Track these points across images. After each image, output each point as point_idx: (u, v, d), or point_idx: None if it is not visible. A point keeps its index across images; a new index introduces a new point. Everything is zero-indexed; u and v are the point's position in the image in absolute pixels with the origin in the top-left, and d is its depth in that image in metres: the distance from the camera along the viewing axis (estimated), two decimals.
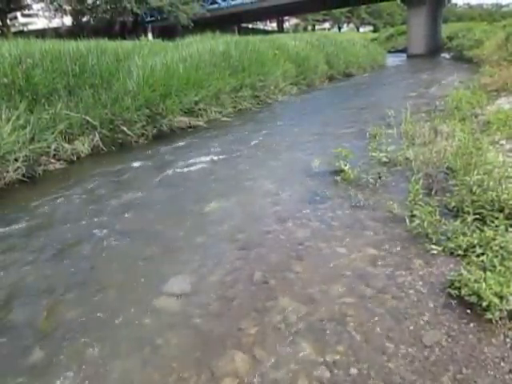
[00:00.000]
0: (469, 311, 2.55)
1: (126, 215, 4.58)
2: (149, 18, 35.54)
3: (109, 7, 31.37)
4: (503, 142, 5.38)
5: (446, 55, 26.86)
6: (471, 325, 2.47)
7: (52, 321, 2.87)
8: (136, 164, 6.52)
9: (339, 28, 69.91)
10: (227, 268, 3.34)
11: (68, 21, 33.83)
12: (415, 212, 3.55)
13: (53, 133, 6.64)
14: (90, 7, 32.02)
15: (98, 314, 2.88)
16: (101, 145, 7.33)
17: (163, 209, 4.75)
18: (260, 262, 3.36)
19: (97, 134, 7.33)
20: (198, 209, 4.58)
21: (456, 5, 70.72)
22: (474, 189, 3.67)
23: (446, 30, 35.77)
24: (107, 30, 28.51)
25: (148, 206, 4.86)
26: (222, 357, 2.42)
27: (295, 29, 62.97)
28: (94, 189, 5.54)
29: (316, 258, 3.35)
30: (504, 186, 3.58)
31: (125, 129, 7.61)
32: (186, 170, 6.04)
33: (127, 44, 11.61)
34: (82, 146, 7.09)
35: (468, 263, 2.91)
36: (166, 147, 7.44)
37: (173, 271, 3.34)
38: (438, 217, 3.47)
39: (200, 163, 6.32)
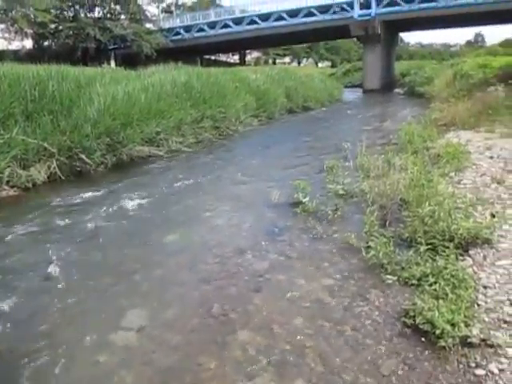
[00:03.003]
0: (423, 339, 2.63)
1: (80, 246, 4.45)
2: (112, 46, 35.49)
3: (71, 33, 31.18)
4: (452, 174, 5.67)
5: (399, 91, 28.26)
6: (426, 352, 2.54)
7: None
8: (93, 193, 6.38)
9: (299, 62, 72.26)
10: (186, 301, 3.30)
11: (29, 44, 33.31)
12: (371, 243, 3.67)
13: (5, 158, 6.42)
14: (52, 31, 31.70)
15: (49, 351, 2.76)
16: (58, 172, 7.13)
17: (120, 240, 4.65)
18: (219, 295, 3.34)
19: (54, 162, 7.14)
20: (156, 240, 4.52)
21: (408, 43, 74.90)
22: (426, 220, 3.84)
23: (399, 66, 37.82)
24: (69, 55, 28.24)
25: (104, 236, 4.74)
26: None
27: (256, 62, 64.56)
28: (48, 217, 5.35)
29: (275, 289, 3.37)
30: (453, 217, 3.76)
31: (83, 157, 7.46)
32: (144, 200, 5.97)
33: (89, 71, 11.52)
34: (38, 173, 6.88)
35: (422, 292, 3.01)
36: (125, 176, 7.34)
37: (130, 304, 3.26)
38: (392, 247, 3.59)
39: (158, 194, 6.26)
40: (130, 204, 5.80)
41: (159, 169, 7.93)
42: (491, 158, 6.25)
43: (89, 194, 6.31)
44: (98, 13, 35.01)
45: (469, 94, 11.54)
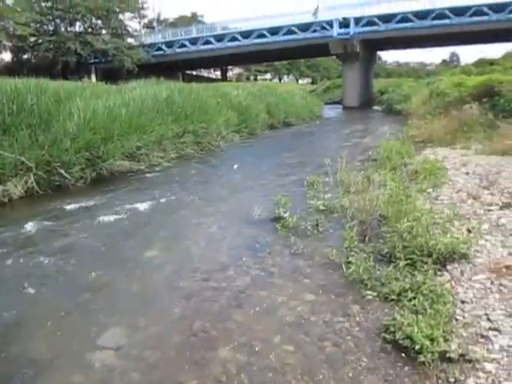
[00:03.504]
0: (404, 355, 2.64)
1: (59, 262, 4.36)
2: (93, 60, 35.34)
3: (51, 46, 30.97)
4: (430, 190, 5.78)
5: (377, 108, 28.81)
6: (406, 368, 2.55)
7: None
8: (71, 208, 6.28)
9: (280, 79, 73.19)
10: (166, 318, 3.26)
11: (7, 57, 32.94)
12: (351, 258, 3.70)
13: None
14: (31, 45, 31.44)
15: (25, 370, 2.67)
16: (36, 187, 7.00)
17: (98, 255, 4.57)
18: (200, 312, 3.31)
19: (32, 176, 7.02)
20: (137, 256, 4.46)
21: (386, 62, 76.70)
22: (405, 235, 3.89)
23: (377, 84, 38.63)
24: (49, 69, 28.02)
25: (81, 252, 4.66)
26: None
27: (238, 78, 65.16)
28: (23, 233, 5.24)
29: (256, 306, 3.35)
30: (431, 233, 3.83)
31: (62, 171, 7.36)
32: (124, 215, 5.90)
33: (69, 85, 11.44)
34: (15, 187, 6.74)
35: (401, 307, 3.04)
36: (105, 191, 7.25)
37: (108, 322, 3.20)
38: (372, 263, 3.62)
39: (139, 209, 6.20)
40: (109, 219, 5.72)
41: (139, 184, 7.87)
42: (467, 174, 6.40)
43: (66, 209, 6.21)
44: (78, 27, 34.95)
45: (445, 111, 11.82)
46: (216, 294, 3.57)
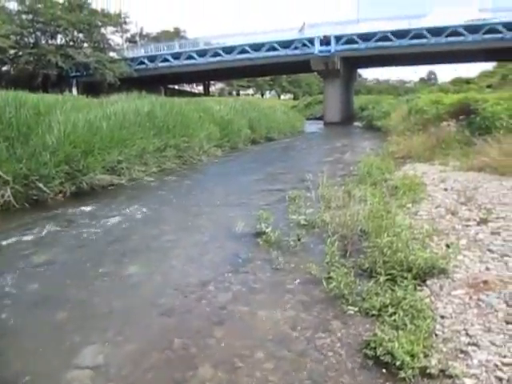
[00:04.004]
0: (384, 371, 2.64)
1: (35, 278, 4.25)
2: (74, 73, 35.12)
3: (32, 59, 30.70)
4: (410, 205, 5.85)
5: (358, 124, 29.29)
6: None
7: None
8: (49, 222, 6.14)
9: (262, 94, 73.88)
10: (145, 335, 3.19)
11: None
12: (332, 274, 3.70)
13: None
14: (11, 57, 31.09)
15: None
16: (12, 201, 6.86)
17: (77, 272, 4.46)
18: (180, 329, 3.26)
19: (8, 190, 6.87)
20: (116, 272, 4.38)
21: (366, 79, 78.20)
22: (385, 250, 3.92)
23: (357, 101, 39.34)
24: (29, 81, 27.71)
25: (60, 268, 4.55)
26: None
27: (221, 92, 65.55)
28: None
29: (237, 322, 3.32)
30: (411, 248, 3.86)
31: (40, 185, 7.23)
32: (103, 230, 5.81)
33: (49, 98, 11.32)
34: None
35: (382, 323, 3.04)
36: (84, 205, 7.13)
37: (85, 341, 3.12)
38: (353, 278, 3.64)
39: (119, 223, 6.12)
40: (87, 234, 5.63)
41: (120, 198, 7.77)
42: (445, 190, 6.52)
43: (43, 224, 6.07)
44: (60, 40, 34.81)
45: (423, 128, 12.08)
46: (196, 310, 3.53)
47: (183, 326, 3.29)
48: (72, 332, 3.26)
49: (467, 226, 4.76)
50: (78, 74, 35.09)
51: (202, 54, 35.77)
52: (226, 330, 3.22)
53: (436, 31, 29.64)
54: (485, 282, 3.31)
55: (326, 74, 32.73)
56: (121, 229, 5.91)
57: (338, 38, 31.68)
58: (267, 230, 5.03)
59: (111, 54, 37.03)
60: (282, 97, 76.89)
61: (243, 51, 34.45)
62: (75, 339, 3.15)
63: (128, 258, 4.73)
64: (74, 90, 32.73)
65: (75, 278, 4.30)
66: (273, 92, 77.46)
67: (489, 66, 49.05)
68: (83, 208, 6.99)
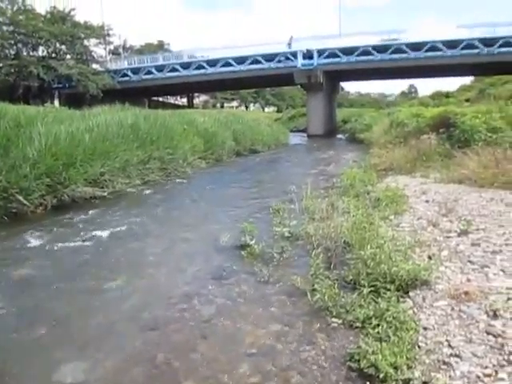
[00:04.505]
0: (368, 383, 2.64)
1: (13, 293, 4.16)
2: (56, 85, 34.82)
3: (13, 70, 30.36)
4: (392, 217, 5.91)
5: (341, 136, 29.62)
6: None
7: None
8: (28, 236, 6.02)
9: (246, 107, 74.30)
10: (127, 350, 3.14)
11: None
12: (316, 286, 3.71)
13: None
14: None
15: None
16: None
17: (56, 287, 4.37)
18: (163, 343, 3.21)
19: None
20: (97, 285, 4.31)
21: (349, 92, 79.37)
22: (369, 262, 3.94)
23: (340, 114, 39.84)
24: (9, 93, 27.35)
25: (38, 283, 4.46)
26: None
27: (205, 105, 65.72)
28: None
29: (221, 336, 3.29)
30: (394, 259, 3.89)
31: (21, 198, 7.10)
32: (85, 243, 5.72)
33: (30, 109, 11.21)
34: None
35: (366, 335, 3.04)
36: (65, 218, 7.04)
37: (66, 356, 3.05)
38: (337, 290, 3.64)
39: (101, 236, 6.03)
40: (69, 247, 5.54)
41: (102, 210, 7.68)
42: (427, 201, 6.62)
43: (22, 237, 5.96)
44: (42, 51, 34.56)
45: (404, 141, 12.27)
46: (180, 324, 3.49)
47: (166, 341, 3.25)
48: (52, 349, 3.19)
49: (448, 237, 4.83)
50: (60, 85, 34.81)
51: (186, 66, 35.87)
52: (210, 344, 3.19)
53: (416, 46, 30.37)
54: (466, 293, 3.35)
55: (309, 87, 33.11)
56: (103, 242, 5.83)
57: (320, 52, 32.15)
58: (251, 243, 5.02)
59: (94, 65, 36.89)
60: (266, 109, 77.45)
61: (227, 64, 34.67)
62: (55, 356, 3.08)
63: (110, 272, 4.66)
64: (56, 102, 32.45)
65: (54, 293, 4.21)
66: (257, 104, 77.98)
67: (467, 80, 50.46)
68: (64, 221, 6.89)
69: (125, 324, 3.56)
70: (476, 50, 28.98)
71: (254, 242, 5.04)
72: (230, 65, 34.55)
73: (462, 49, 29.28)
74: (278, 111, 69.32)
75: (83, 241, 5.83)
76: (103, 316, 3.70)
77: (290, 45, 32.89)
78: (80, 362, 3.00)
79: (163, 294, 4.08)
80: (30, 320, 3.65)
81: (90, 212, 7.54)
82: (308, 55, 32.22)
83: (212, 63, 35.24)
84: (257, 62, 33.80)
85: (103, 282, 4.39)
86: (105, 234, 6.14)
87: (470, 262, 4.04)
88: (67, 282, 4.49)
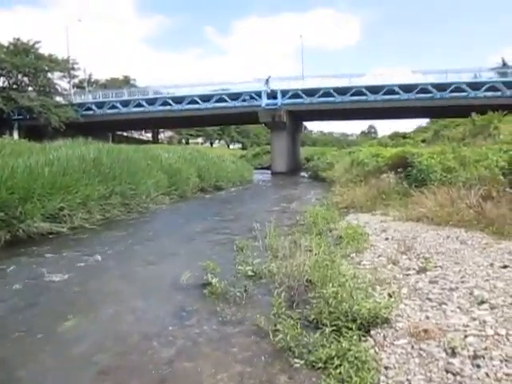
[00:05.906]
0: None
1: None
2: (16, 116, 34.07)
3: None
4: (353, 254, 6.00)
5: (304, 174, 30.20)
6: None
7: None
8: None
9: (211, 143, 74.96)
10: None
11: None
12: (279, 326, 3.66)
13: None
14: None
15: None
16: None
17: (2, 329, 4.12)
18: None
19: None
20: (48, 328, 4.06)
21: (312, 131, 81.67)
22: (330, 301, 3.94)
23: (304, 152, 40.84)
24: None
25: None
26: None
27: (170, 140, 65.80)
28: None
29: (181, 379, 3.16)
30: (355, 298, 3.92)
31: None
32: (36, 281, 5.44)
33: None
34: None
35: (328, 375, 3.00)
36: (19, 254, 6.72)
37: None
38: (299, 329, 3.61)
39: (56, 274, 5.74)
40: (18, 287, 5.25)
41: (59, 247, 7.39)
42: (387, 239, 6.78)
43: None
44: (2, 82, 33.97)
45: (365, 179, 12.67)
46: (137, 367, 3.33)
47: None
48: None
49: (407, 274, 4.93)
50: (21, 117, 34.11)
51: (152, 102, 36.09)
52: None
53: (374, 89, 31.98)
54: (425, 331, 3.40)
55: (273, 125, 33.92)
56: (58, 280, 5.57)
57: (284, 93, 33.23)
58: (213, 281, 4.94)
59: (58, 98, 36.50)
60: (231, 146, 78.36)
61: (193, 101, 35.15)
62: None
63: (65, 312, 4.43)
64: (16, 134, 31.62)
65: (1, 335, 3.96)
66: (222, 141, 78.83)
67: (424, 121, 53.09)
68: (17, 257, 6.58)
69: (77, 368, 3.36)
70: (430, 94, 30.80)
71: (216, 280, 4.96)
72: (195, 102, 35.04)
73: (417, 93, 31.06)
74: (243, 148, 70.29)
75: (35, 278, 5.55)
76: (54, 360, 3.48)
77: (267, 84, 33.67)
78: None
79: (120, 336, 3.91)
80: None
81: (46, 248, 7.25)
82: (272, 95, 33.19)
83: (178, 100, 35.65)
84: (222, 100, 34.47)
85: (57, 322, 4.16)
86: (59, 271, 5.87)
87: (428, 299, 4.13)
88: (16, 324, 4.22)
